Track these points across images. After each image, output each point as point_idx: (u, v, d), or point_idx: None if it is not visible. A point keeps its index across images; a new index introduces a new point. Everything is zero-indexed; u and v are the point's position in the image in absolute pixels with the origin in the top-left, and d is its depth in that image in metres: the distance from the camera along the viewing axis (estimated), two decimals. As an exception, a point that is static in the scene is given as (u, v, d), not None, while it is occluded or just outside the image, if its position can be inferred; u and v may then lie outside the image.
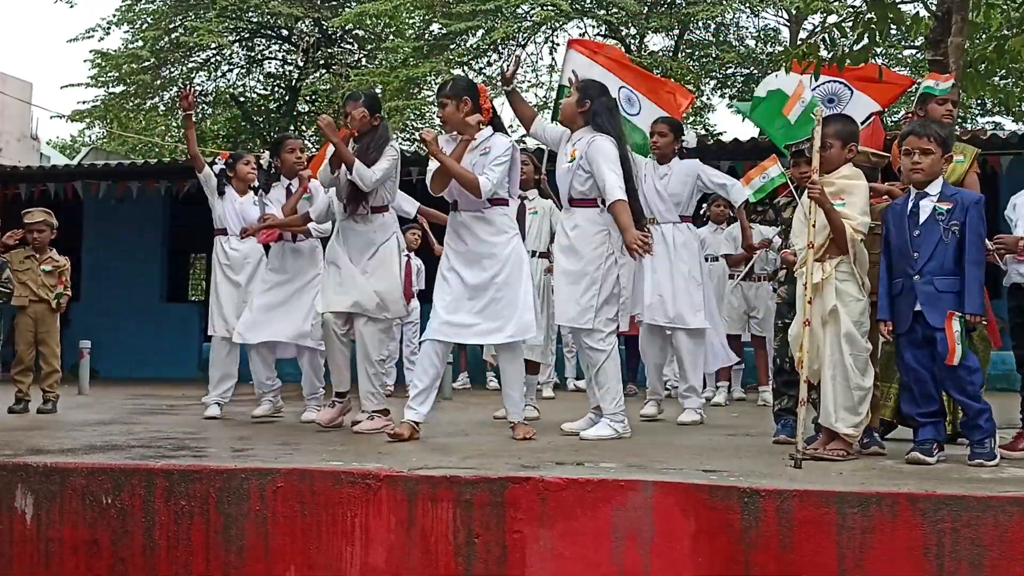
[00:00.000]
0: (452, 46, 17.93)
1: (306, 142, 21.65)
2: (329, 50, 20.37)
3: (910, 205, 4.56)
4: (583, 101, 5.48)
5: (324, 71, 20.88)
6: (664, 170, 6.59)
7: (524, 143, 18.78)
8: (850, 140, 4.71)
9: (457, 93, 5.37)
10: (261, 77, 21.97)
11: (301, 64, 20.99)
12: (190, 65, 20.43)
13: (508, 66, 6.11)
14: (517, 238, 5.46)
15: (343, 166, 5.57)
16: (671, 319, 6.44)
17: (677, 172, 6.58)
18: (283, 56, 21.71)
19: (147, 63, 19.56)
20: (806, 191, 4.65)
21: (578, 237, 5.40)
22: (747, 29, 20.42)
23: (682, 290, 6.43)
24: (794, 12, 17.89)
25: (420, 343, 5.86)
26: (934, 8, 8.54)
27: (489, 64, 19.54)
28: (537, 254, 6.74)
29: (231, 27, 20.03)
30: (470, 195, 5.30)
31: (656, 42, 19.96)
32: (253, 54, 21.42)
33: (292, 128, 21.54)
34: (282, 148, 6.65)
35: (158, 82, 19.94)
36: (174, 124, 22.25)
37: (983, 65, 8.96)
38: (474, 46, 18.36)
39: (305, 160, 6.70)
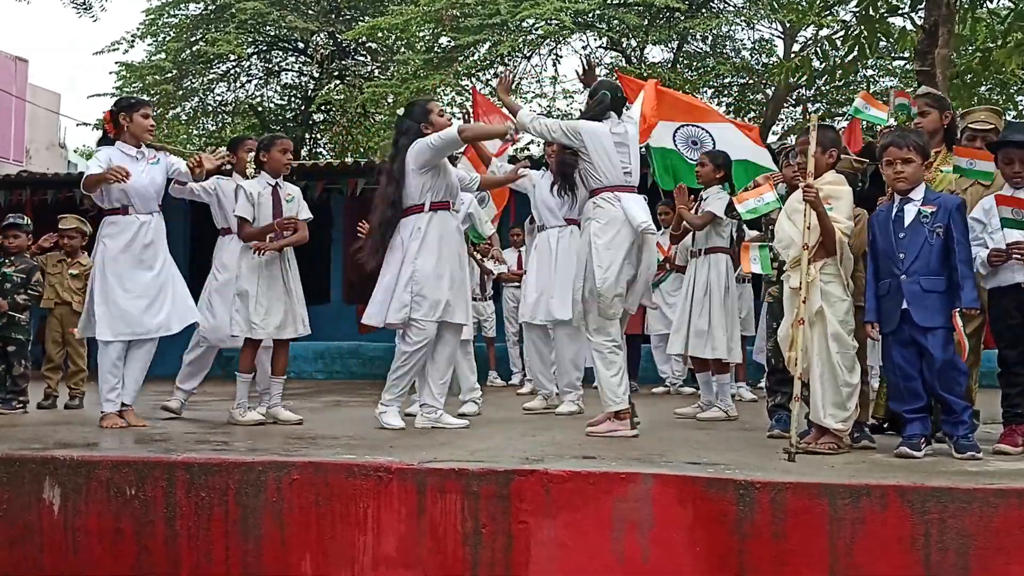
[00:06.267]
0: (460, 58, 17.92)
1: (320, 150, 21.78)
2: (343, 62, 20.40)
3: (895, 210, 4.55)
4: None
5: (338, 82, 20.90)
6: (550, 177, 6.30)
7: (528, 151, 18.82)
8: (830, 146, 4.68)
9: None
10: (278, 88, 22.01)
11: (316, 75, 21.03)
12: (210, 76, 20.48)
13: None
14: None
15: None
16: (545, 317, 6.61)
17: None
18: (299, 68, 21.76)
19: (169, 74, 19.61)
20: (792, 194, 4.62)
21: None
22: (742, 41, 20.40)
23: (561, 289, 6.29)
24: (787, 25, 17.85)
25: None
26: (921, 22, 8.52)
27: (495, 76, 19.54)
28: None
29: (250, 40, 20.07)
30: None
31: (655, 54, 19.96)
32: (271, 66, 21.47)
33: (308, 136, 21.55)
34: (273, 147, 6.04)
35: (180, 92, 19.98)
36: (195, 132, 22.26)
37: (969, 76, 8.95)
38: (481, 59, 18.36)
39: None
